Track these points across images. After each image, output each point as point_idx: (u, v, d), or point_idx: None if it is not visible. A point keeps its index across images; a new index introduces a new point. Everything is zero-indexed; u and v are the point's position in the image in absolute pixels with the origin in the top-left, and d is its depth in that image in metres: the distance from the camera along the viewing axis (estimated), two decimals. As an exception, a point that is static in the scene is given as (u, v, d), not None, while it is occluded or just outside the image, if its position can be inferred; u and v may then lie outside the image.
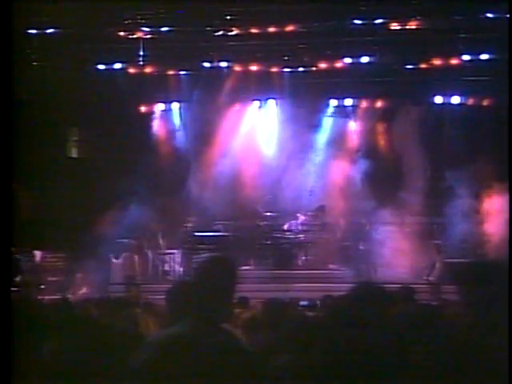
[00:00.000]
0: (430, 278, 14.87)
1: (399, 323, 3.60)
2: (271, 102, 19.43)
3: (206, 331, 3.34)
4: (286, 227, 17.53)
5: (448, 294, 9.07)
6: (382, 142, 19.01)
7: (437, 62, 17.46)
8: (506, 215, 15.11)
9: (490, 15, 16.01)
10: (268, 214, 17.89)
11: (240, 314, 6.23)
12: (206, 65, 18.25)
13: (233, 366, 3.30)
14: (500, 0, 14.89)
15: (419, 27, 16.56)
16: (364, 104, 19.27)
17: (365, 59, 17.62)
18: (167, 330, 3.47)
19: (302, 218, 17.54)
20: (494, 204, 16.31)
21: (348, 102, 19.35)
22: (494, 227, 15.94)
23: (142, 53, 17.69)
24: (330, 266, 16.88)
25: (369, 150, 18.58)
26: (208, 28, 16.97)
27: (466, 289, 3.58)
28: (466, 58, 17.29)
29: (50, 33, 16.90)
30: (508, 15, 15.05)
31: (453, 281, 12.52)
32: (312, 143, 18.69)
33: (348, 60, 17.81)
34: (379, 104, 19.15)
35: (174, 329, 3.43)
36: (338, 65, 17.90)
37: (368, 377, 3.21)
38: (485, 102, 18.22)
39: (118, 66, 18.13)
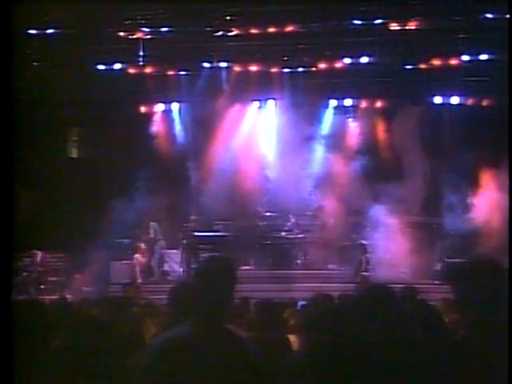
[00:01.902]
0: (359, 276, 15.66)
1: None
2: (271, 103, 19.43)
3: (210, 332, 3.34)
4: (285, 227, 17.53)
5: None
6: (381, 142, 19.01)
7: (436, 62, 17.46)
8: (505, 216, 15.12)
9: (489, 15, 16.01)
10: (268, 214, 17.91)
11: (240, 313, 6.23)
12: (206, 65, 18.26)
13: (237, 367, 3.30)
14: (500, 0, 14.89)
15: (419, 27, 16.56)
16: (364, 104, 19.27)
17: (364, 59, 17.62)
18: (171, 331, 3.46)
19: (301, 217, 17.55)
20: (491, 204, 16.33)
21: (348, 102, 19.35)
22: (490, 227, 15.95)
23: (142, 53, 17.69)
24: (329, 266, 16.95)
25: (369, 149, 18.58)
26: (208, 28, 16.97)
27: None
28: (465, 58, 17.29)
29: (50, 33, 16.90)
30: (508, 15, 15.06)
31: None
32: (312, 143, 18.68)
33: (348, 60, 17.81)
34: (379, 104, 19.15)
35: (178, 330, 3.43)
36: (338, 65, 17.90)
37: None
38: (484, 102, 18.22)
39: (117, 66, 18.13)
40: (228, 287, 3.47)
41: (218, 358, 3.28)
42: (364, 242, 16.49)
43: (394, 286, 4.56)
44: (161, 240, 17.65)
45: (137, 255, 17.05)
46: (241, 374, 3.30)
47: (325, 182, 18.02)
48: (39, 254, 16.79)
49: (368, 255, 16.25)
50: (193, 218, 17.85)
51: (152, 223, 17.50)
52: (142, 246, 17.24)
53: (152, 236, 17.52)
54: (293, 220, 17.50)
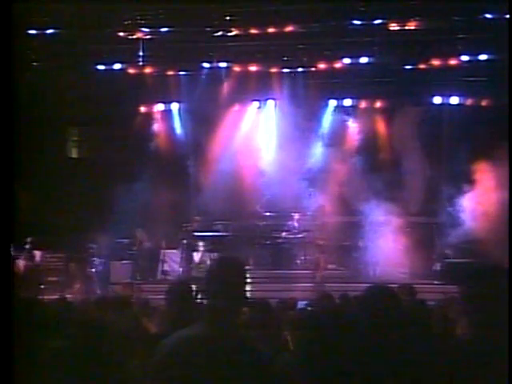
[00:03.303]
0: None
1: None
2: (270, 103, 19.43)
3: (222, 332, 3.33)
4: (285, 227, 17.53)
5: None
6: (380, 141, 19.01)
7: (436, 62, 17.46)
8: (505, 215, 15.11)
9: (489, 15, 16.00)
10: (267, 213, 17.90)
11: (243, 313, 6.22)
12: (206, 65, 18.26)
13: (248, 367, 3.30)
14: (500, 0, 14.88)
15: (418, 27, 16.56)
16: (363, 104, 19.28)
17: (364, 59, 17.62)
18: (183, 332, 3.45)
19: (301, 218, 17.54)
20: (491, 204, 16.33)
21: (347, 102, 19.35)
22: (490, 227, 15.94)
23: (141, 53, 17.69)
24: (329, 266, 16.95)
25: (369, 150, 18.58)
26: (208, 28, 16.96)
27: None
28: (465, 58, 17.29)
29: (50, 33, 16.90)
30: (508, 15, 15.06)
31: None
32: (311, 143, 18.68)
33: (347, 60, 17.81)
34: (378, 104, 19.16)
35: (190, 330, 3.42)
36: (338, 65, 17.90)
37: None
38: (484, 102, 18.21)
39: (117, 66, 18.13)
40: (239, 287, 3.46)
41: (229, 358, 3.28)
42: (321, 242, 16.29)
43: (395, 286, 4.57)
44: (161, 240, 17.65)
45: (136, 255, 17.05)
46: (251, 374, 3.30)
47: (325, 182, 18.01)
48: (39, 254, 16.78)
49: (324, 255, 16.08)
50: (193, 217, 17.86)
51: (152, 223, 17.49)
52: (142, 245, 17.24)
53: (152, 236, 17.51)
54: (292, 220, 17.50)
